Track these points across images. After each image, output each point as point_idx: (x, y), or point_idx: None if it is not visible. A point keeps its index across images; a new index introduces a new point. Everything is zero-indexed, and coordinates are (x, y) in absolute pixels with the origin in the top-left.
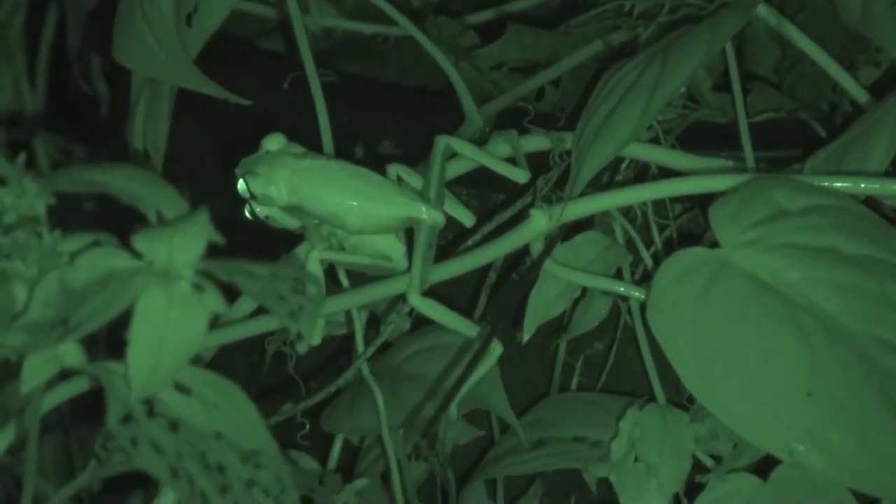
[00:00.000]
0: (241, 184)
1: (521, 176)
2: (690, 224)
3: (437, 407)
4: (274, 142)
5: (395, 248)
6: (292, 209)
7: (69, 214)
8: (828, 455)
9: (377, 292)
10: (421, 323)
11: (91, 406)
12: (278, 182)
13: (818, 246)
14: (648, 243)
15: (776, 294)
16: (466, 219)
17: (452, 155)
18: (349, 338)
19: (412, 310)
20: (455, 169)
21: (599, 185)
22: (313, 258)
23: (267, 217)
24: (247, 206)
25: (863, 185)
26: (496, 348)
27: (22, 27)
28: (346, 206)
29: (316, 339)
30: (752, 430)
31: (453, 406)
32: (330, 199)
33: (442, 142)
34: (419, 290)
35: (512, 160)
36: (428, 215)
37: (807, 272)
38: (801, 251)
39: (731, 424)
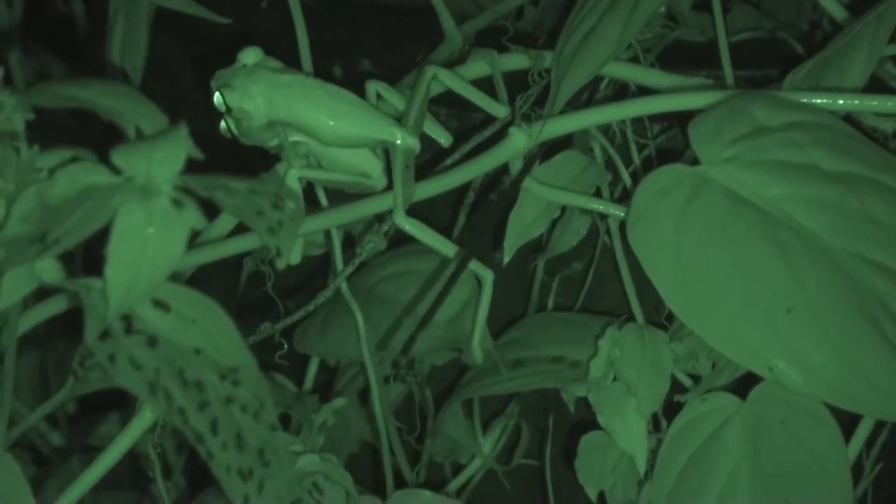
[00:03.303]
0: (216, 97)
1: (501, 111)
2: (669, 143)
3: (413, 327)
4: (251, 55)
5: (373, 165)
6: (268, 124)
7: (48, 130)
8: (807, 371)
9: (356, 211)
10: (398, 242)
11: (67, 326)
12: (255, 96)
13: (798, 162)
14: (627, 162)
15: (756, 210)
16: (444, 138)
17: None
18: (324, 259)
19: (389, 229)
20: (434, 87)
21: (578, 103)
22: (291, 175)
23: (242, 134)
24: (222, 121)
25: (841, 102)
26: (487, 277)
27: None
28: (322, 124)
29: (296, 258)
30: (732, 346)
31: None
32: (306, 115)
33: (430, 71)
34: (403, 209)
35: (490, 80)
36: (402, 140)
37: (787, 188)
38: (782, 167)
39: (711, 341)
